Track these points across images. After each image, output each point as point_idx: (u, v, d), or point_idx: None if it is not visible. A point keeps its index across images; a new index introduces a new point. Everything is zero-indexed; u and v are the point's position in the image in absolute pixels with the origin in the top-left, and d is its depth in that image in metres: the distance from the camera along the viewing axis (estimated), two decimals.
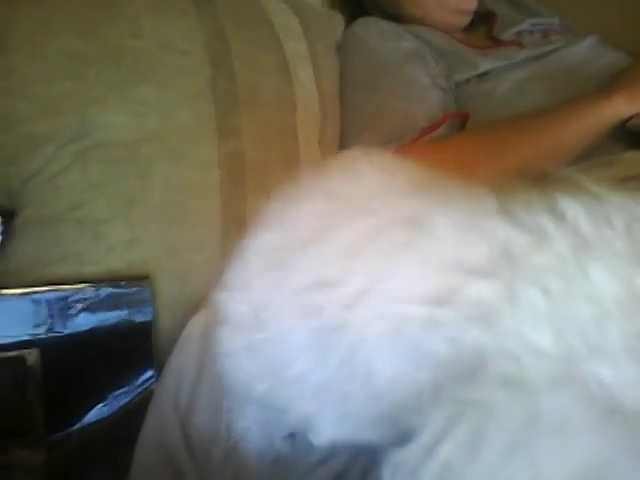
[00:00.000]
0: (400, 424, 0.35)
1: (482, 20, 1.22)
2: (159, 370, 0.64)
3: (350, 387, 0.39)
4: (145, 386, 0.65)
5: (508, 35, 1.19)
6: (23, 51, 0.67)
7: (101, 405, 0.64)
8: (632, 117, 0.86)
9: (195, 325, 0.60)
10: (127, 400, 0.64)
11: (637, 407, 0.28)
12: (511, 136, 0.89)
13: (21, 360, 0.61)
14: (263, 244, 0.47)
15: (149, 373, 0.66)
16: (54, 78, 0.68)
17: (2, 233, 0.65)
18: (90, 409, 0.63)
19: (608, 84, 0.90)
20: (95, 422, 0.63)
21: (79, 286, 0.64)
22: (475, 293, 0.34)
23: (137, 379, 0.65)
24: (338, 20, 1.08)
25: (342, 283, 0.39)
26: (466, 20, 1.17)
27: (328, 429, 0.41)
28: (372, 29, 1.09)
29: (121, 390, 0.65)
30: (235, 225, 0.74)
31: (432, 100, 1.01)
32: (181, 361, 0.58)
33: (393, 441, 0.33)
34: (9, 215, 0.66)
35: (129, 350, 0.66)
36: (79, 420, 0.63)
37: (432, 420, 0.32)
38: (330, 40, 1.02)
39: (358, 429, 0.41)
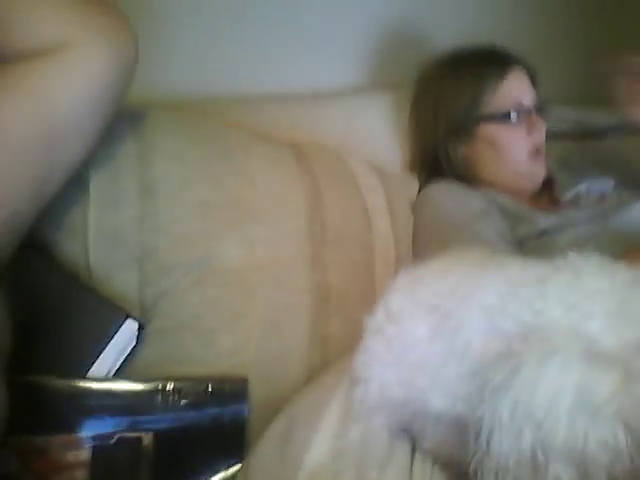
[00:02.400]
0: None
1: (544, 185, 1.36)
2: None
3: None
4: (234, 469, 0.75)
5: (568, 196, 1.32)
6: (168, 199, 0.87)
7: None
8: None
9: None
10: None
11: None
12: None
13: (138, 441, 0.74)
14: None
15: (238, 461, 0.76)
16: (189, 220, 0.87)
17: (137, 339, 0.81)
18: None
19: None
20: None
21: (191, 382, 0.78)
22: None
23: (229, 466, 0.76)
24: (412, 182, 1.26)
25: None
26: (534, 186, 1.29)
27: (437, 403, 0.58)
28: (444, 191, 1.24)
29: (215, 474, 0.75)
30: (319, 341, 0.87)
31: (501, 252, 1.12)
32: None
33: None
34: (142, 326, 0.82)
35: (225, 441, 0.77)
36: None
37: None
38: (404, 198, 1.20)
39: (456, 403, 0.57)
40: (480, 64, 1.25)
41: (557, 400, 0.49)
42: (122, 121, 0.87)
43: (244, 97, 1.22)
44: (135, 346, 0.80)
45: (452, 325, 0.60)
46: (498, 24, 1.69)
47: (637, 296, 0.53)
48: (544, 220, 1.20)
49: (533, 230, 1.18)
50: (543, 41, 1.64)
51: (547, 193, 1.36)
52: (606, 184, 1.34)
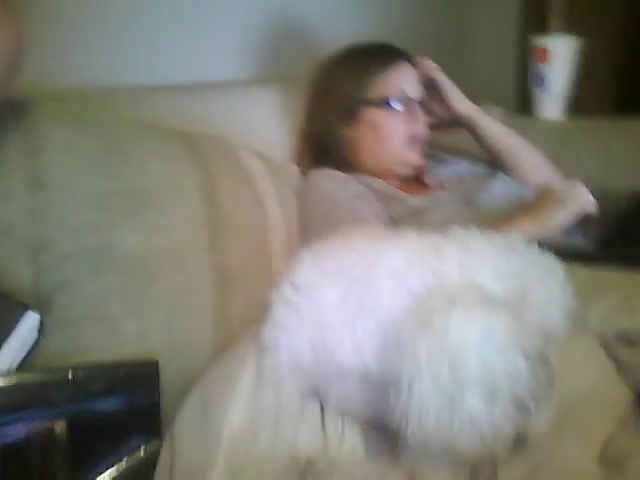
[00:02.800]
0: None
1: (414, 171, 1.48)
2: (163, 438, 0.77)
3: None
4: (153, 450, 0.77)
5: (432, 181, 1.45)
6: (60, 190, 0.86)
7: (115, 469, 0.75)
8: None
9: None
10: (137, 463, 0.76)
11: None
12: None
13: (50, 431, 0.73)
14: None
15: (156, 441, 0.77)
16: (82, 209, 0.86)
17: (38, 331, 0.79)
18: (105, 470, 0.74)
19: (515, 213, 1.14)
20: None
21: (100, 368, 0.78)
22: None
23: (147, 447, 0.77)
24: (294, 170, 1.33)
25: None
26: (409, 172, 1.41)
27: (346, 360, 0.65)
28: (325, 178, 1.31)
29: (133, 455, 0.76)
30: (224, 321, 0.90)
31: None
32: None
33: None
34: (43, 319, 0.80)
35: (140, 424, 0.78)
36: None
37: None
38: (289, 185, 1.25)
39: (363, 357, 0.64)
40: (368, 55, 1.36)
41: (466, 341, 0.59)
42: (7, 112, 0.84)
43: (129, 88, 1.21)
44: (38, 339, 0.78)
45: (361, 288, 0.67)
46: (392, 21, 1.81)
47: (513, 255, 0.63)
48: (414, 201, 1.31)
49: (405, 210, 1.29)
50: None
51: (416, 179, 1.48)
52: (461, 166, 1.49)
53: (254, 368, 0.75)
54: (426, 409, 0.58)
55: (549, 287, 0.63)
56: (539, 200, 1.13)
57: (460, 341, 0.58)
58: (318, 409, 0.74)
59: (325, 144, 1.38)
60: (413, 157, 1.37)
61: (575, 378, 0.77)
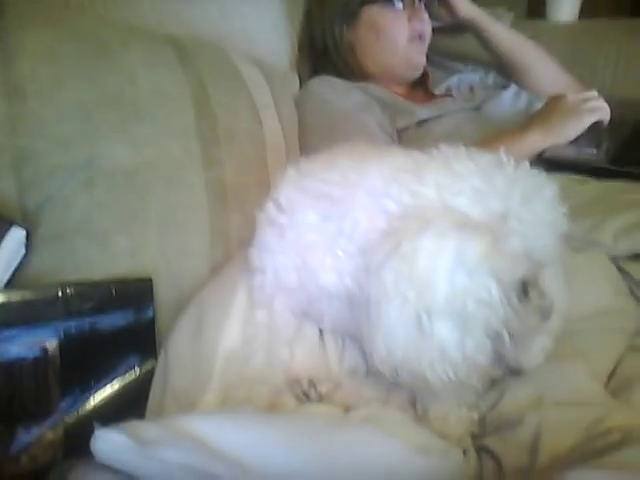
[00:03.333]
0: None
1: (419, 79, 1.41)
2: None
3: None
4: (148, 368, 0.75)
5: (441, 90, 1.38)
6: (40, 99, 0.80)
7: (110, 387, 0.74)
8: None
9: None
10: (132, 381, 0.75)
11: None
12: None
13: (43, 349, 0.71)
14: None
15: (151, 360, 0.76)
16: (66, 119, 0.81)
17: (26, 247, 0.76)
18: (100, 390, 0.73)
19: (525, 123, 1.09)
20: (105, 401, 0.73)
21: (91, 286, 0.75)
22: None
23: (141, 365, 0.76)
24: (294, 78, 1.26)
25: None
26: (415, 74, 1.35)
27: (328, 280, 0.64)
28: (325, 85, 1.26)
29: (127, 374, 0.75)
30: (221, 238, 0.87)
31: (379, 142, 1.17)
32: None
33: None
34: (29, 234, 0.77)
35: (134, 342, 0.76)
36: (91, 399, 0.73)
37: None
38: (288, 94, 1.19)
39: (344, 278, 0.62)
40: None
41: (435, 265, 0.55)
42: None
43: None
44: (25, 255, 0.75)
45: (341, 209, 0.63)
46: None
47: (499, 175, 0.58)
48: (421, 111, 1.26)
49: (411, 121, 1.24)
50: None
51: (422, 88, 1.42)
52: (474, 77, 1.42)
53: (247, 289, 0.72)
54: (393, 336, 0.56)
55: (536, 209, 0.58)
56: (550, 109, 1.07)
57: (429, 266, 0.54)
58: (316, 329, 0.73)
59: (325, 48, 1.31)
60: (417, 57, 1.31)
61: (584, 298, 0.75)
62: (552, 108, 1.06)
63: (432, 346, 0.55)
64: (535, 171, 0.60)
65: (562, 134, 1.02)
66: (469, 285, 0.54)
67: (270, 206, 0.70)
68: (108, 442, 0.50)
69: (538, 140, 1.03)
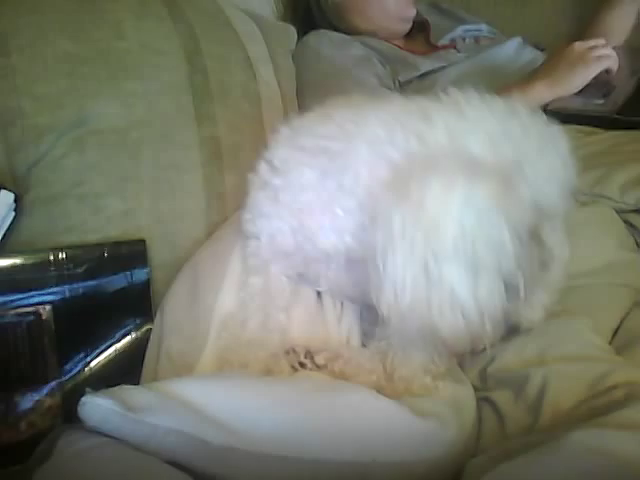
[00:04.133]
0: None
1: (419, 29, 1.36)
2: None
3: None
4: (144, 332, 0.74)
5: (444, 41, 1.34)
6: (24, 54, 0.77)
7: (107, 351, 0.73)
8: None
9: None
10: (130, 344, 0.74)
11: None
12: None
13: (37, 315, 0.70)
14: None
15: (148, 323, 0.75)
16: (52, 76, 0.78)
17: (15, 210, 0.74)
18: (97, 355, 0.72)
19: (531, 74, 1.05)
20: (102, 366, 0.72)
21: (84, 249, 0.74)
22: None
23: (137, 328, 0.75)
24: (291, 31, 1.21)
25: None
26: (407, 27, 1.31)
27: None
28: (323, 39, 1.22)
29: (124, 337, 0.74)
30: (215, 197, 0.85)
31: (382, 97, 1.13)
32: None
33: None
34: (18, 197, 0.75)
35: (130, 305, 0.75)
36: (88, 364, 0.72)
37: None
38: (285, 47, 1.15)
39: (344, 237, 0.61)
40: None
41: (444, 208, 0.52)
42: None
43: None
44: (15, 218, 0.73)
45: (340, 163, 0.60)
46: None
47: (514, 122, 0.56)
48: (423, 64, 1.22)
49: (414, 73, 1.20)
50: None
51: (422, 38, 1.37)
52: (480, 28, 1.37)
53: (242, 253, 0.70)
54: (401, 283, 0.53)
55: (549, 160, 0.55)
56: (556, 59, 1.03)
57: (438, 209, 0.51)
58: (313, 292, 0.71)
59: (310, 8, 1.27)
60: (406, 10, 1.28)
61: (589, 253, 0.73)
62: (559, 58, 1.02)
63: (442, 293, 0.52)
64: (550, 122, 0.57)
65: (569, 84, 0.98)
66: (478, 227, 0.51)
67: (263, 167, 0.67)
68: (95, 408, 0.49)
69: (544, 91, 0.99)
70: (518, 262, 0.53)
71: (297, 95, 1.13)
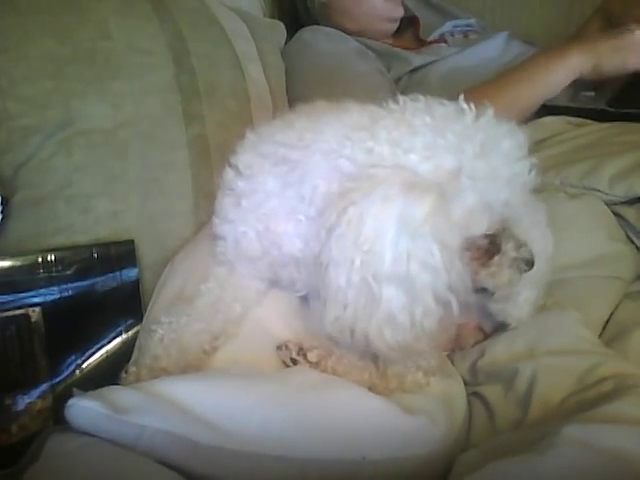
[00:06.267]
0: None
1: (408, 25, 1.36)
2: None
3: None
4: (135, 332, 0.74)
5: (434, 36, 1.34)
6: (9, 55, 0.77)
7: (99, 352, 0.73)
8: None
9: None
10: (121, 345, 0.73)
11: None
12: (489, 91, 0.98)
13: (26, 318, 0.70)
14: None
15: (138, 324, 0.75)
16: (37, 78, 0.78)
17: (2, 213, 0.74)
18: (87, 357, 0.72)
19: (514, 68, 1.04)
20: (93, 367, 0.72)
21: (72, 251, 0.73)
22: None
23: (127, 329, 0.75)
24: (280, 28, 1.20)
25: None
26: (394, 27, 1.31)
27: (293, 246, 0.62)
28: (319, 35, 1.21)
29: (114, 338, 0.74)
30: (204, 196, 0.84)
31: (383, 88, 1.13)
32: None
33: None
34: (5, 200, 0.75)
35: (119, 305, 0.75)
36: (79, 366, 0.72)
37: None
38: (274, 44, 1.14)
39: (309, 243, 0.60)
40: None
41: (381, 230, 0.52)
42: None
43: None
44: (3, 221, 0.73)
45: (298, 173, 0.60)
46: None
47: (455, 128, 0.55)
48: (415, 58, 1.22)
49: (406, 69, 1.21)
50: None
51: (411, 33, 1.37)
52: (469, 23, 1.37)
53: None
54: (343, 301, 0.54)
55: (493, 162, 0.54)
56: (543, 54, 1.02)
57: (374, 231, 0.52)
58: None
59: (296, 9, 1.27)
60: (394, 11, 1.28)
61: (579, 246, 0.72)
62: (546, 53, 1.02)
63: (380, 310, 0.53)
64: (498, 120, 0.57)
65: (553, 82, 0.96)
66: (412, 249, 0.52)
67: (229, 173, 0.67)
68: (82, 410, 0.49)
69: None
70: (453, 281, 0.53)
71: (289, 90, 1.12)
